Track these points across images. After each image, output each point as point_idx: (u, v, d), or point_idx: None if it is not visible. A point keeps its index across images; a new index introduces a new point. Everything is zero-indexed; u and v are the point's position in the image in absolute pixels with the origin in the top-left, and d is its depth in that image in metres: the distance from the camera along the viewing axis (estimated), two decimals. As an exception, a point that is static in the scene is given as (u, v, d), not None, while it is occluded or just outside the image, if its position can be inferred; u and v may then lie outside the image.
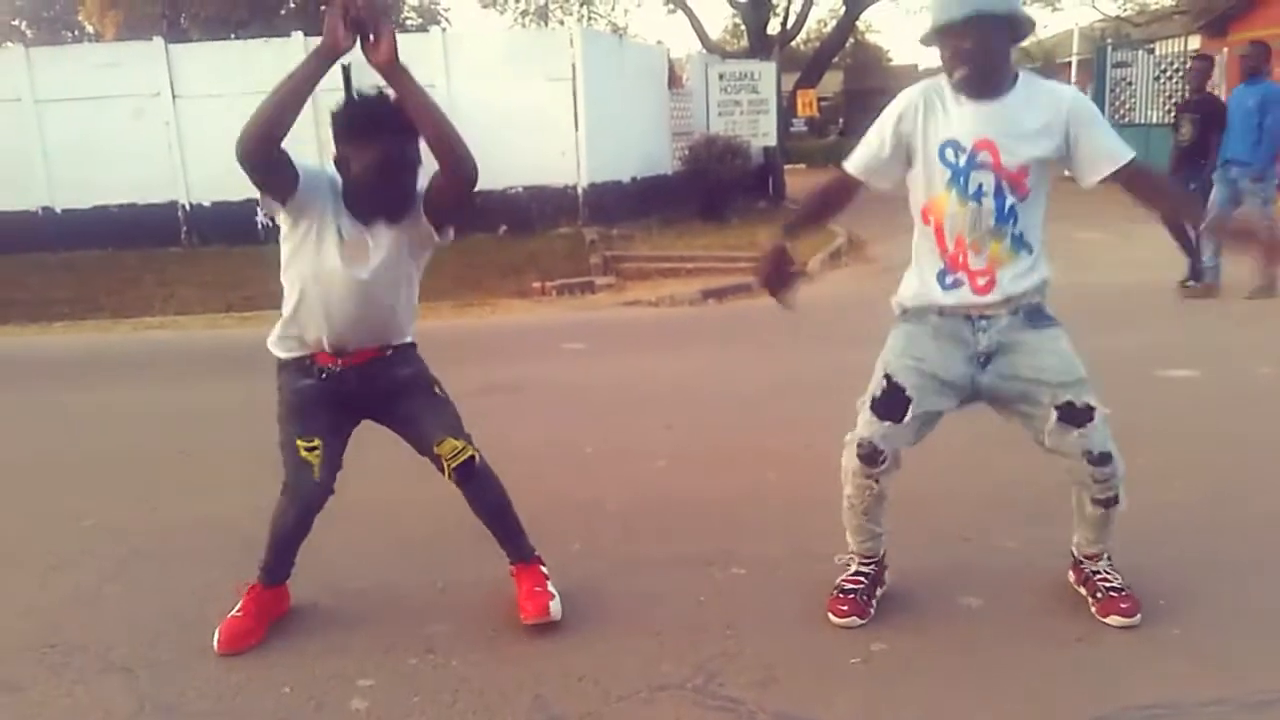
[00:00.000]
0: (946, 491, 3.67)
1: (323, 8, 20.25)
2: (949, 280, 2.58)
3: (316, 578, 3.17)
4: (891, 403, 2.59)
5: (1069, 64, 20.07)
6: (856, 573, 2.83)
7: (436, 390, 2.83)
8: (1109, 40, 21.58)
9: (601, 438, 4.52)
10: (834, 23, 30.05)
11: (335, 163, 2.58)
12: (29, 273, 10.16)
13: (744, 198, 14.09)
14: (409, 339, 2.83)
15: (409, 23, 24.93)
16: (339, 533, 3.52)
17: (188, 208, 12.17)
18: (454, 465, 2.72)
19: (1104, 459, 2.56)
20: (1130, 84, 17.96)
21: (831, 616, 2.76)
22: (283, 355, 2.76)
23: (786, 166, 17.78)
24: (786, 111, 19.55)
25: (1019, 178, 2.49)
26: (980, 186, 2.48)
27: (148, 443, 4.81)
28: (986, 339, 2.57)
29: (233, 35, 17.16)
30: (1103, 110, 18.51)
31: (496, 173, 11.85)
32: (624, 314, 8.15)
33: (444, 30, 16.28)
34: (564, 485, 3.84)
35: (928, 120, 2.54)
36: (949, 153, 2.50)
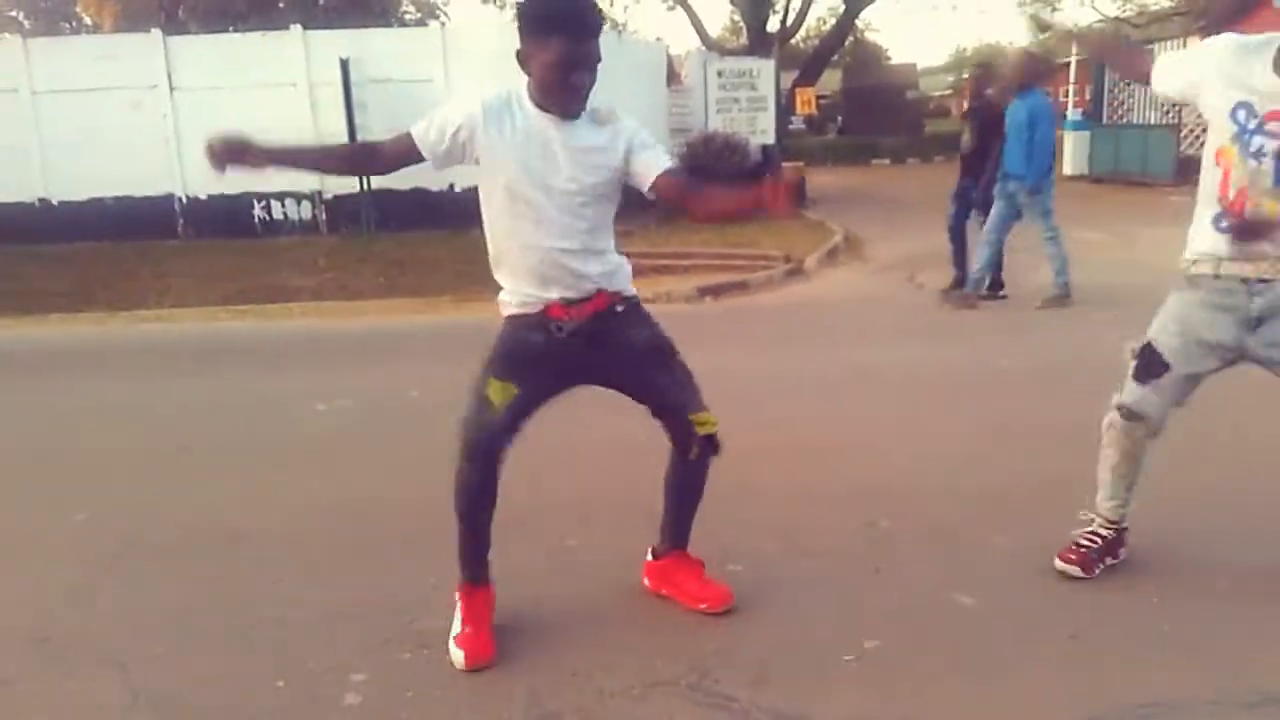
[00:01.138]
0: (942, 488, 3.68)
1: (319, 1, 20.25)
2: (1224, 224, 2.64)
3: (311, 572, 3.18)
4: (1149, 368, 2.79)
5: (1068, 64, 20.05)
6: (1094, 532, 2.98)
7: (678, 360, 2.76)
8: (1108, 41, 21.52)
9: (595, 432, 4.52)
10: (833, 21, 30.07)
11: (518, 59, 2.54)
12: (24, 265, 10.12)
13: (741, 196, 14.05)
14: (633, 291, 2.72)
15: (407, 16, 24.91)
16: (333, 528, 3.53)
17: (184, 200, 12.14)
18: (704, 434, 2.76)
19: None
20: (1129, 84, 17.97)
21: (1057, 562, 2.95)
22: (512, 310, 2.67)
23: (784, 164, 17.77)
24: (785, 109, 19.56)
25: None
26: (1261, 148, 2.55)
27: (141, 436, 4.80)
28: (1261, 302, 2.65)
29: (231, 28, 17.15)
30: (1101, 111, 17.99)
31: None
32: (621, 310, 8.12)
33: (443, 24, 16.27)
34: (558, 481, 3.84)
35: (1231, 74, 2.56)
36: (1240, 113, 2.56)
